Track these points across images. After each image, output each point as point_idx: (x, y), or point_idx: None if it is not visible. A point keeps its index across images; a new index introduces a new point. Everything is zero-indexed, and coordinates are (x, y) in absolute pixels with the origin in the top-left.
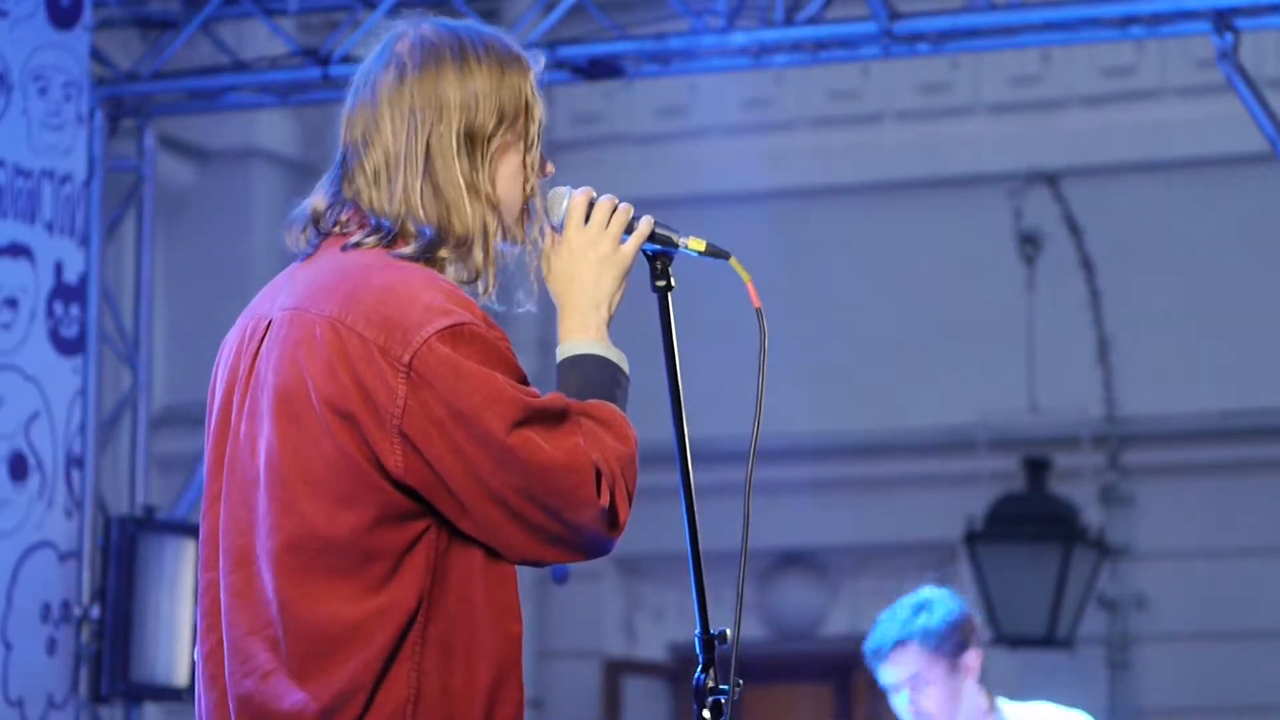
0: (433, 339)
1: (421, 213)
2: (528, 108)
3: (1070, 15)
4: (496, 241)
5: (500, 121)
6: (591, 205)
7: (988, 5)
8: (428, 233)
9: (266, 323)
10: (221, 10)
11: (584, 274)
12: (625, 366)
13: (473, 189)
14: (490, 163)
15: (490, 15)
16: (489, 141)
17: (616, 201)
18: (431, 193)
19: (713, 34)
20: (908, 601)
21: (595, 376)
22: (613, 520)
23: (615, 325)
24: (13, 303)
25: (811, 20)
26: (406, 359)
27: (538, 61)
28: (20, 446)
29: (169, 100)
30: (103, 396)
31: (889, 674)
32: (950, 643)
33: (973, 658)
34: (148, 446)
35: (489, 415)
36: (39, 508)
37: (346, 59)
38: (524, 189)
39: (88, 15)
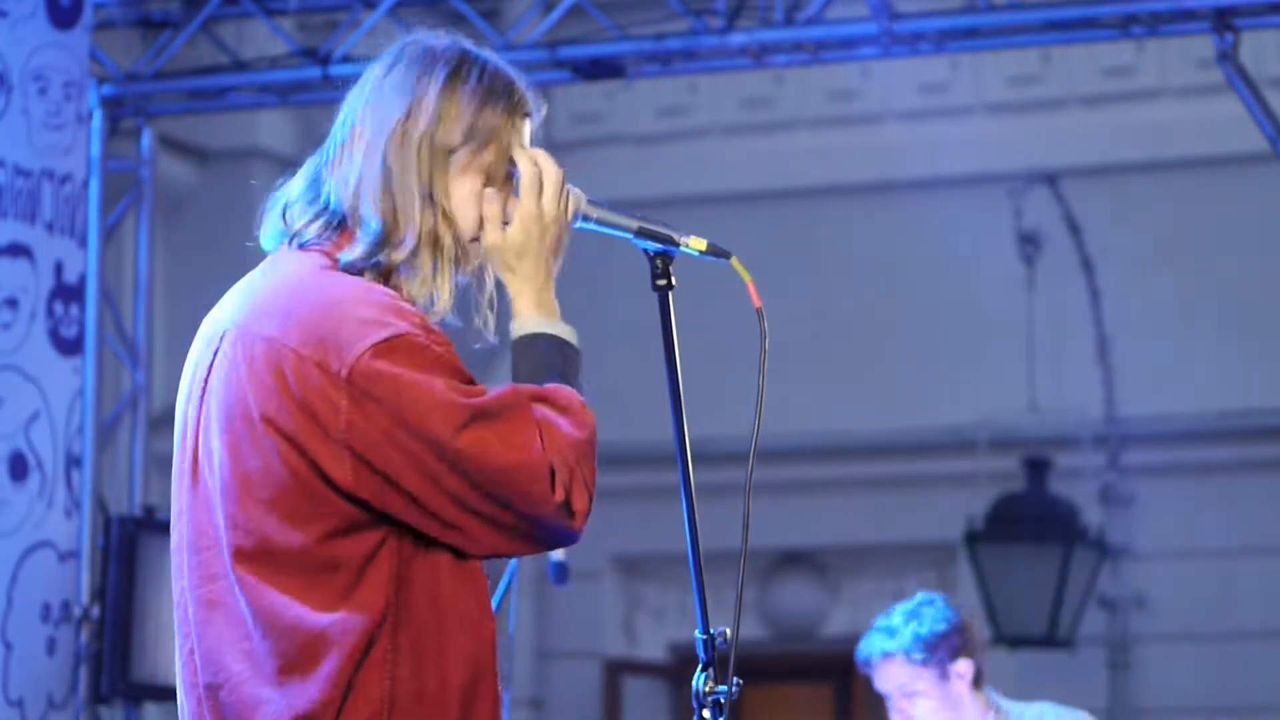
0: (367, 354)
1: (370, 203)
2: (498, 144)
3: (1070, 15)
4: (449, 253)
5: (465, 141)
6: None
7: (988, 5)
8: (374, 225)
9: (220, 334)
10: (221, 10)
11: (531, 244)
12: (574, 339)
13: (425, 195)
14: (448, 176)
15: (490, 15)
16: (449, 155)
17: (557, 175)
18: (383, 185)
19: (713, 34)
20: (901, 608)
21: (546, 357)
22: (572, 512)
23: (616, 324)
24: (13, 303)
25: (811, 20)
26: (344, 374)
27: (539, 111)
28: (20, 446)
29: (169, 100)
30: (103, 396)
31: (880, 684)
32: (939, 653)
33: (964, 665)
34: (148, 446)
35: (434, 422)
36: (39, 508)
37: (346, 59)
38: (479, 221)
39: (88, 15)
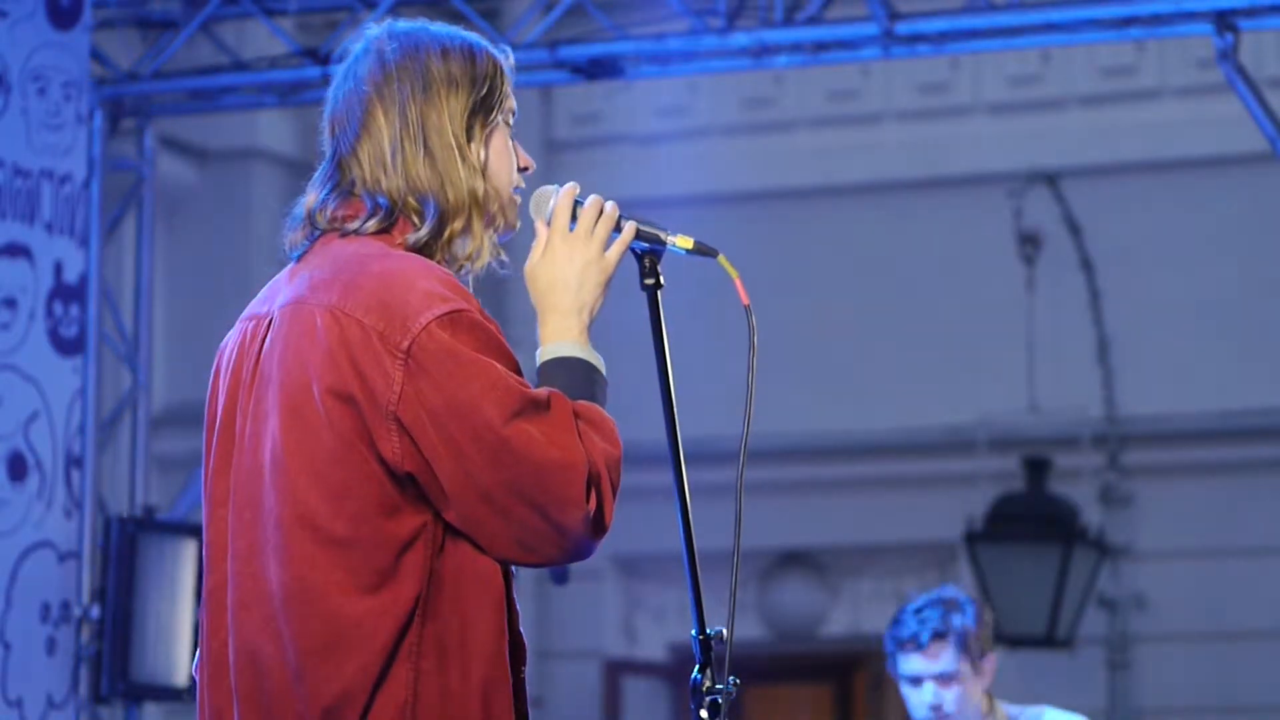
0: (431, 325)
1: (421, 184)
2: (503, 91)
3: (1070, 15)
4: (492, 212)
5: (483, 99)
6: (577, 206)
7: (988, 5)
8: (431, 207)
9: (268, 322)
10: (221, 10)
11: (568, 278)
12: (604, 370)
13: (467, 163)
14: (479, 137)
15: (490, 15)
16: (472, 116)
17: (603, 202)
18: (429, 162)
19: (713, 34)
20: (936, 597)
21: (576, 379)
22: (597, 524)
23: (606, 323)
24: (11, 303)
25: (811, 20)
26: (405, 345)
27: (506, 55)
28: (19, 446)
29: (169, 100)
30: (103, 396)
31: (919, 665)
32: (979, 645)
33: (992, 663)
34: (148, 446)
35: (486, 404)
36: (38, 508)
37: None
38: (512, 173)
39: (88, 15)
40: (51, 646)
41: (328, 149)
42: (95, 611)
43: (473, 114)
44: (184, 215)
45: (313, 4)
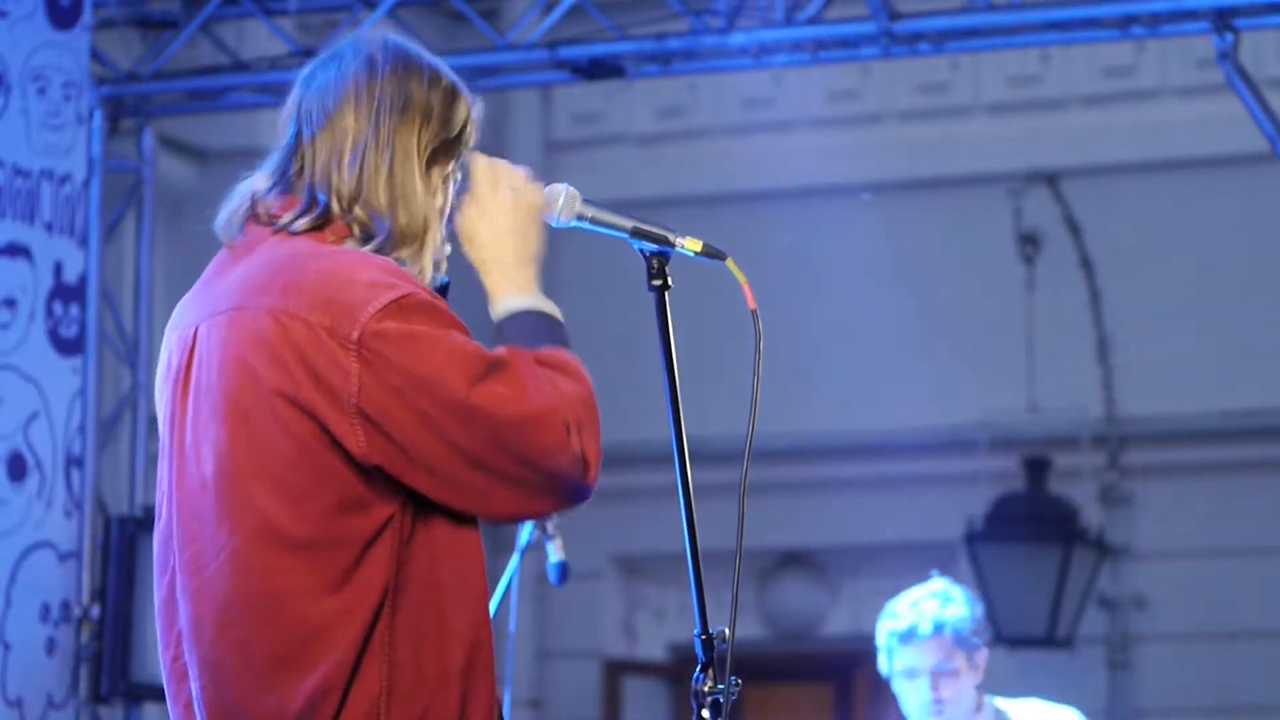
0: (380, 313)
1: (377, 198)
2: (468, 141)
3: (1070, 15)
4: (437, 240)
5: (451, 141)
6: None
7: (988, 5)
8: (383, 226)
9: (193, 331)
10: (221, 10)
11: (508, 230)
12: (561, 317)
13: (427, 189)
14: (437, 175)
15: (490, 15)
16: (436, 152)
17: (501, 163)
18: (388, 178)
19: (713, 34)
20: (931, 590)
21: (540, 331)
22: (586, 463)
23: (611, 325)
24: (11, 303)
25: (811, 20)
26: (356, 336)
27: (475, 103)
28: (19, 446)
29: (169, 100)
30: (103, 396)
31: (915, 658)
32: (977, 638)
33: (984, 656)
34: (148, 446)
35: (450, 375)
36: (38, 508)
37: None
38: (445, 214)
39: (88, 15)
40: (51, 646)
41: (287, 133)
42: (95, 611)
43: (437, 150)
44: (184, 215)
45: (313, 4)
